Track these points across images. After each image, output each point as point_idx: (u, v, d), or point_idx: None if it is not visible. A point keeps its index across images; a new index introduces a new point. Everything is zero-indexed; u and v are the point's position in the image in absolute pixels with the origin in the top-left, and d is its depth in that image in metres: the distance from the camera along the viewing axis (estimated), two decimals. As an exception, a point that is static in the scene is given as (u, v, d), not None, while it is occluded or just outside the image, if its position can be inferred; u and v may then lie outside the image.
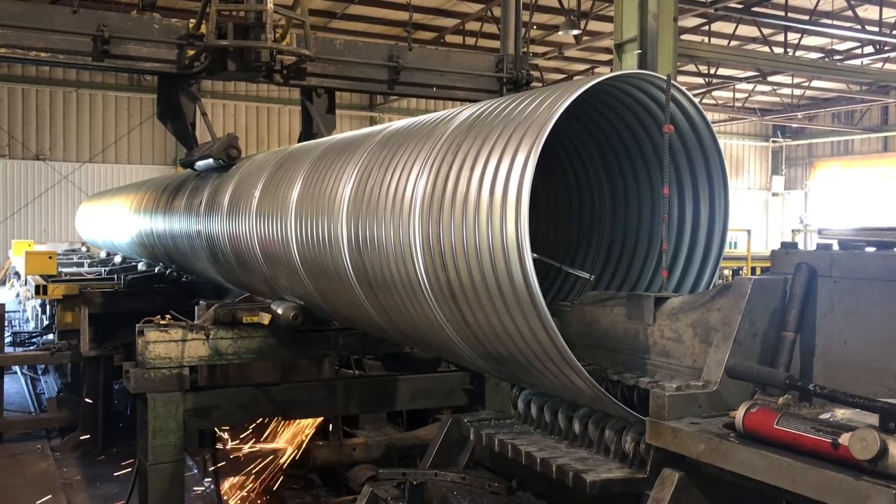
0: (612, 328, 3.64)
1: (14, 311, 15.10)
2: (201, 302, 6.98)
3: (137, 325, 6.26)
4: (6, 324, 15.43)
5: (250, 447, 7.98)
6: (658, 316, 3.39)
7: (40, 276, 11.43)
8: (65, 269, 13.01)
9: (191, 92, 8.31)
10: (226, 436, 7.90)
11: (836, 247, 2.73)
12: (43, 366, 12.65)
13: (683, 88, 3.83)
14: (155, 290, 10.01)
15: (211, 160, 7.94)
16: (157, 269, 10.78)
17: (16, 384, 12.52)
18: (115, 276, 10.89)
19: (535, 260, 4.04)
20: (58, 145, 32.69)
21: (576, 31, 23.76)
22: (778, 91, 33.54)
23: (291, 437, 8.05)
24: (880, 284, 2.48)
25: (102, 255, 16.00)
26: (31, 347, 12.46)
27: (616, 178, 4.66)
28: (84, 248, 19.32)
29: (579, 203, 4.93)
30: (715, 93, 32.30)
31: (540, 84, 30.18)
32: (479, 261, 3.35)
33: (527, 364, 3.39)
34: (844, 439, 2.05)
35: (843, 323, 2.62)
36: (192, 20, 8.10)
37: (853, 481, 2.02)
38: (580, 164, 4.84)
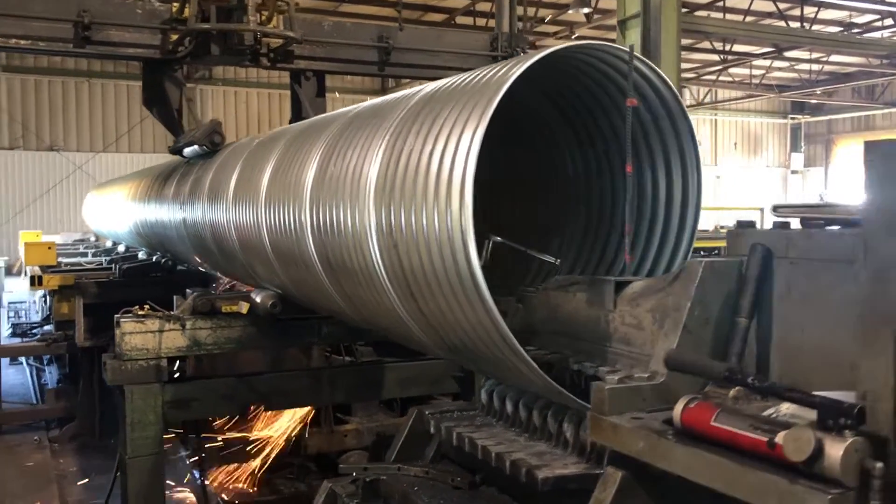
0: (574, 314, 3.46)
1: (20, 302, 15.12)
2: (188, 290, 6.87)
3: (116, 315, 6.15)
4: (12, 315, 15.52)
5: (242, 435, 7.88)
6: (619, 301, 3.20)
7: (40, 266, 11.37)
8: (67, 260, 12.96)
9: (176, 78, 8.16)
10: (217, 424, 7.81)
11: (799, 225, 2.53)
12: (47, 356, 12.64)
13: (648, 61, 3.62)
14: (150, 280, 9.92)
15: (196, 147, 7.81)
16: (154, 259, 10.71)
17: (21, 375, 12.53)
18: (113, 266, 10.81)
19: (500, 244, 3.87)
20: (71, 136, 32.78)
21: (586, 10, 23.40)
22: (795, 67, 32.91)
23: (283, 424, 7.95)
24: (837, 266, 2.27)
25: (108, 244, 15.97)
26: (33, 338, 12.46)
27: (590, 160, 4.46)
28: (93, 238, 19.33)
29: (555, 185, 4.73)
30: (731, 70, 31.73)
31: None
32: (427, 245, 3.17)
33: (481, 354, 3.22)
34: (780, 438, 1.86)
35: (800, 308, 2.42)
36: (175, 4, 7.93)
37: (788, 484, 1.83)
38: (555, 145, 4.64)
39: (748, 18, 24.39)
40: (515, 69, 3.03)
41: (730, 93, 35.52)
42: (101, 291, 9.75)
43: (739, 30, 14.35)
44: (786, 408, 2.06)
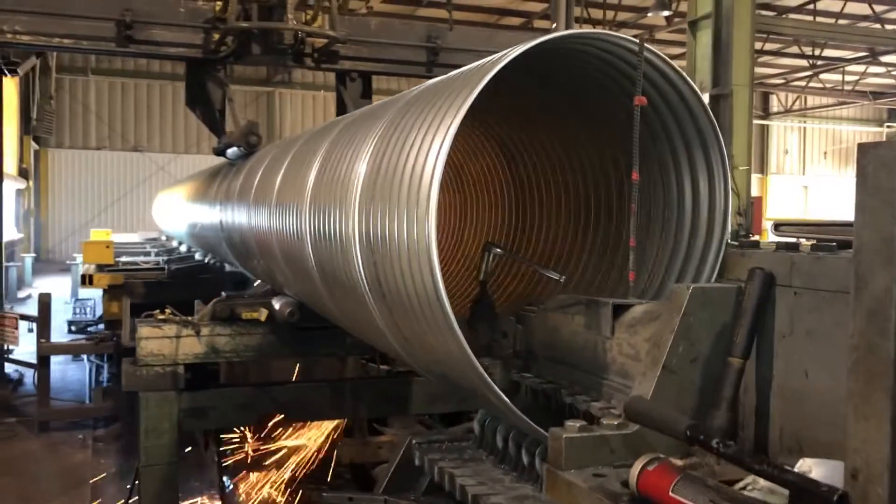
0: (572, 339, 3.07)
1: (88, 299, 15.39)
2: (222, 293, 6.70)
3: (136, 319, 6.01)
4: (78, 311, 15.82)
5: (273, 444, 7.68)
6: (617, 327, 2.79)
7: (97, 265, 11.47)
8: (128, 259, 13.09)
9: (218, 78, 8.03)
10: (248, 432, 7.63)
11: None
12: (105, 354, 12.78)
13: (662, 55, 3.19)
14: (198, 280, 9.86)
15: (236, 148, 7.67)
16: (207, 259, 10.68)
17: (80, 372, 12.69)
18: (166, 266, 10.81)
19: (500, 256, 3.50)
20: (154, 137, 33.63)
21: (666, 12, 22.66)
22: (893, 73, 31.25)
23: (316, 433, 7.72)
24: (844, 299, 1.84)
25: (174, 244, 16.15)
26: (87, 336, 12.60)
27: (609, 168, 4.05)
28: (164, 238, 19.63)
29: (576, 196, 4.33)
30: (822, 75, 30.34)
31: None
32: (398, 256, 2.84)
33: (453, 377, 2.87)
34: (741, 523, 1.46)
35: (805, 348, 1.99)
36: (218, 3, 7.82)
37: (745, 585, 1.44)
38: (576, 156, 4.25)
39: (840, 21, 23.24)
40: (495, 65, 2.67)
41: (820, 99, 34.00)
42: (148, 291, 9.74)
43: (820, 31, 13.52)
44: (764, 481, 1.65)
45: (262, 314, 5.84)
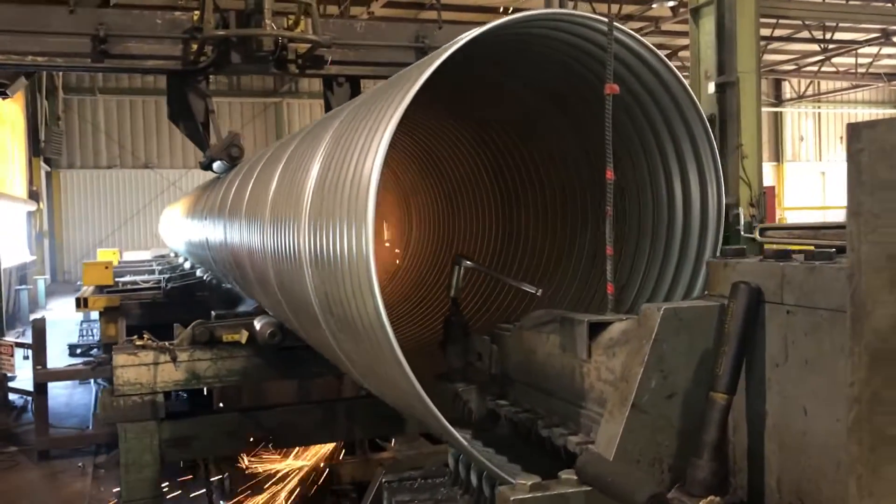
0: (548, 362, 2.72)
1: (94, 321, 15.17)
2: (212, 313, 6.41)
3: (114, 346, 5.72)
4: (82, 334, 15.61)
5: (272, 465, 7.37)
6: (594, 349, 2.44)
7: (98, 286, 11.24)
8: (134, 277, 12.87)
9: (200, 90, 7.75)
10: (245, 454, 7.32)
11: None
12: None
13: (639, 36, 2.84)
14: (195, 299, 9.58)
15: (220, 162, 7.39)
16: (206, 277, 10.41)
17: (87, 395, 12.45)
18: (164, 285, 10.55)
19: (470, 269, 3.18)
20: (164, 153, 33.53)
21: (671, 3, 22.19)
22: (908, 53, 30.55)
23: (316, 452, 7.40)
24: (844, 319, 1.48)
25: (180, 260, 15.93)
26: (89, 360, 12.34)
27: (596, 172, 3.70)
28: (173, 254, 19.45)
29: (563, 205, 3.99)
30: (834, 59, 29.69)
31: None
32: (341, 273, 2.52)
33: (410, 413, 2.54)
34: None
35: (802, 379, 1.64)
36: (196, 13, 7.53)
37: None
38: (564, 161, 3.91)
39: (853, 2, 22.65)
40: (435, 60, 2.34)
41: (834, 84, 33.34)
42: (144, 313, 9.49)
43: (829, 12, 13.00)
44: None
45: (243, 336, 5.54)
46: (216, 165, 7.74)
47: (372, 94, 2.98)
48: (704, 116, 3.01)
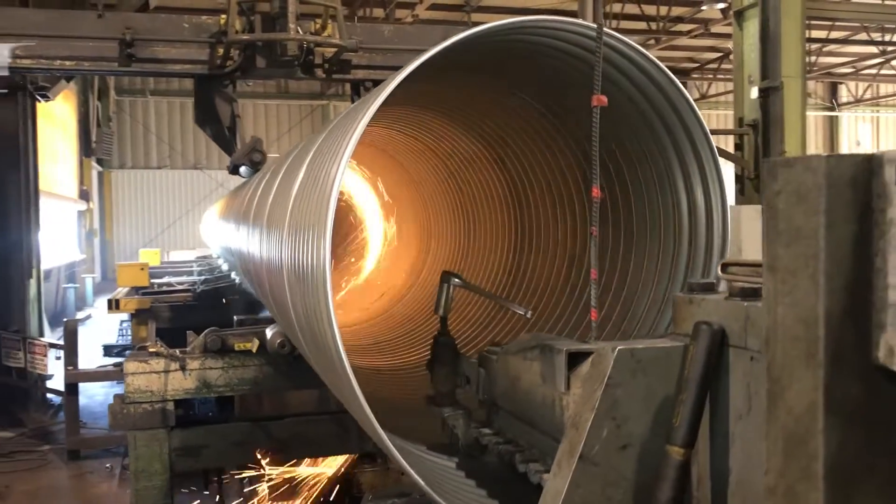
0: (531, 392, 2.56)
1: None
2: (234, 318, 6.38)
3: (128, 352, 5.70)
4: (121, 334, 15.77)
5: (292, 472, 7.29)
6: (573, 380, 2.27)
7: (133, 287, 11.33)
8: (173, 279, 12.96)
9: (226, 94, 7.72)
10: (264, 461, 7.26)
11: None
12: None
13: (639, 47, 2.66)
14: (224, 303, 9.58)
15: (244, 166, 7.36)
16: (238, 280, 10.42)
17: (123, 394, 12.53)
18: (195, 288, 10.59)
19: (461, 287, 3.03)
20: (213, 154, 33.85)
21: (721, 4, 21.73)
22: (973, 56, 29.45)
23: (335, 460, 7.30)
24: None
25: (219, 262, 16.04)
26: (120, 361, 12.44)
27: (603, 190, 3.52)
28: (215, 255, 19.62)
29: (572, 212, 3.82)
30: (895, 62, 28.79)
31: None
32: (306, 287, 2.40)
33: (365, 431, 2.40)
34: None
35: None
36: (223, 17, 7.50)
37: None
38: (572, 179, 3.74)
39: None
40: (395, 79, 2.20)
41: (894, 87, 32.34)
42: (174, 315, 9.51)
43: (884, 14, 12.50)
44: None
45: (254, 345, 5.45)
46: (243, 170, 7.71)
47: (354, 107, 2.85)
48: (704, 125, 2.81)
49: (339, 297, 7.74)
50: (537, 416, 2.51)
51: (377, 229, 7.54)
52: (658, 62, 2.69)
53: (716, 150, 2.81)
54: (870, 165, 1.00)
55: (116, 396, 5.62)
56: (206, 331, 5.73)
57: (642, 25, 25.56)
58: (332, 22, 7.63)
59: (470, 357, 3.02)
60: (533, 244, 4.31)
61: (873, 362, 0.96)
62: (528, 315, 3.25)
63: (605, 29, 2.49)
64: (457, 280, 3.02)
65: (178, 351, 5.58)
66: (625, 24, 25.27)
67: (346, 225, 9.26)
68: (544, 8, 25.40)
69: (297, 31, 7.32)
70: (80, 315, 22.07)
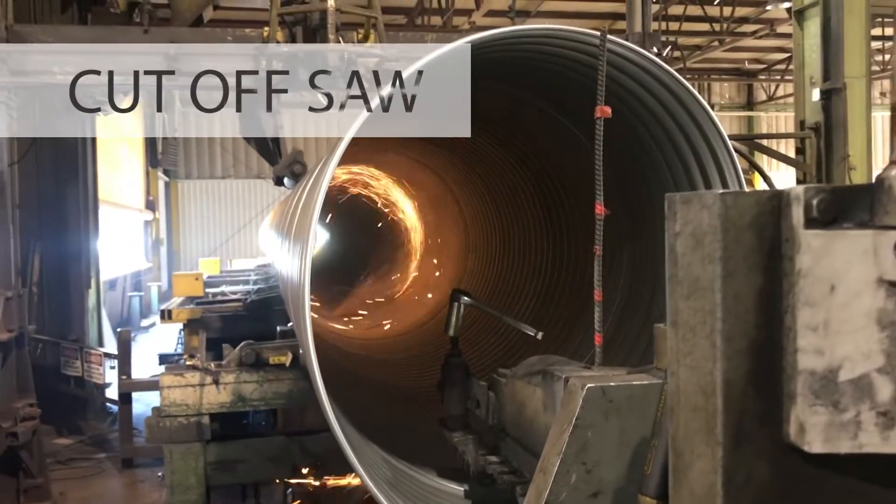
0: (535, 419, 2.42)
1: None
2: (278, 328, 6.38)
3: (163, 366, 5.73)
4: (180, 342, 16.01)
5: (333, 481, 7.23)
6: (574, 410, 2.12)
7: (188, 297, 11.47)
8: (221, 289, 13.09)
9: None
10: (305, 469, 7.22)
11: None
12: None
13: (648, 53, 2.51)
14: (273, 313, 9.60)
15: (286, 178, 7.36)
16: (287, 290, 10.46)
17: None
18: (246, 298, 10.65)
19: (471, 305, 2.91)
20: (276, 163, 34.41)
21: (787, 4, 21.09)
22: None
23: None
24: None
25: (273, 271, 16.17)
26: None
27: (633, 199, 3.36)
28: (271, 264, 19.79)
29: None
30: (974, 60, 27.51)
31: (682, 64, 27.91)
32: (296, 303, 2.30)
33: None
34: None
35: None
36: (265, 29, 7.52)
37: None
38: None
39: None
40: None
41: (975, 87, 30.94)
42: (224, 325, 9.56)
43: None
44: None
45: (288, 359, 5.41)
46: (286, 181, 7.72)
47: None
48: (723, 133, 2.63)
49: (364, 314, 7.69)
50: (540, 446, 2.36)
51: (417, 249, 7.46)
52: (664, 64, 2.52)
53: (732, 151, 2.63)
54: (777, 204, 0.85)
55: (154, 409, 5.64)
56: (241, 344, 5.72)
57: (705, 27, 25.03)
58: (374, 31, 7.59)
59: (480, 380, 2.89)
60: (569, 269, 4.18)
61: (783, 440, 0.81)
62: (539, 336, 3.10)
63: (640, 48, 2.34)
64: (466, 298, 2.89)
65: (213, 364, 5.58)
66: (687, 26, 24.77)
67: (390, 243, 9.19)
68: (602, 12, 25.09)
69: (341, 42, 7.29)
70: (144, 323, 22.57)
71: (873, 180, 0.87)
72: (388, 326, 6.44)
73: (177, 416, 5.40)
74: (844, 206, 0.83)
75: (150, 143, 28.04)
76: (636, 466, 1.48)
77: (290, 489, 7.29)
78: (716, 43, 25.36)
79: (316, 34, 7.19)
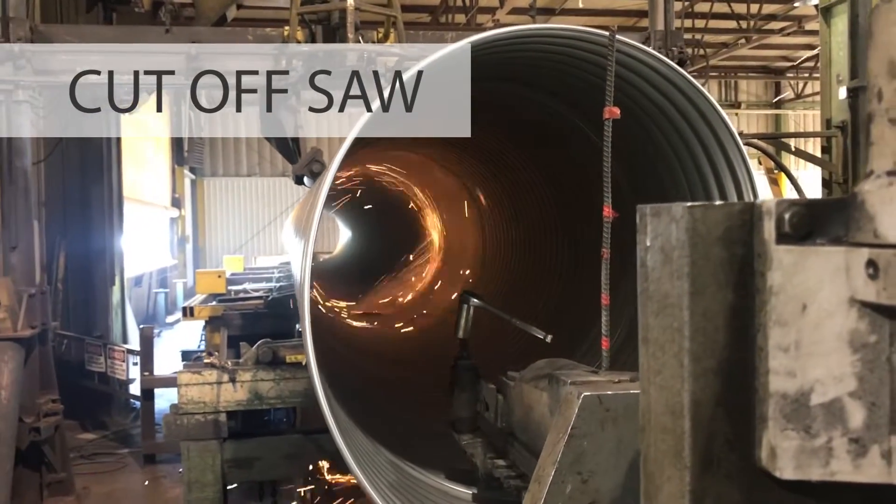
0: (542, 423, 2.39)
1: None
2: (297, 327, 6.39)
3: (184, 364, 5.76)
4: (203, 339, 16.13)
5: (349, 478, 7.24)
6: (579, 415, 2.10)
7: (210, 294, 11.55)
8: (244, 286, 13.16)
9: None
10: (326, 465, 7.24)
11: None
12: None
13: (659, 55, 2.47)
14: (292, 311, 9.64)
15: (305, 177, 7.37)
16: (308, 288, 10.49)
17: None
18: (267, 296, 10.70)
19: (480, 308, 2.89)
20: (301, 161, 34.54)
21: (814, 1, 20.85)
22: None
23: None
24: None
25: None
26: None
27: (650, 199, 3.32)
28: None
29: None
30: None
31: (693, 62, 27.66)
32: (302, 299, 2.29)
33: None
34: None
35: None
36: (286, 28, 7.54)
37: None
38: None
39: None
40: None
41: None
42: (244, 323, 9.62)
43: None
44: None
45: (304, 357, 5.42)
46: (305, 180, 7.73)
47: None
48: (733, 130, 2.59)
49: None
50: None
51: (435, 251, 7.45)
52: (673, 64, 2.49)
53: (742, 148, 2.59)
54: (748, 217, 0.81)
55: (172, 406, 5.68)
56: (258, 342, 5.75)
57: (732, 24, 24.79)
58: (393, 30, 7.58)
59: (489, 383, 2.87)
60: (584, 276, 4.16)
61: (755, 464, 0.78)
62: (548, 339, 3.07)
63: (650, 49, 2.31)
64: (476, 300, 2.87)
65: (230, 362, 5.61)
66: (714, 24, 24.54)
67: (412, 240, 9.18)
68: (629, 9, 24.92)
69: (360, 41, 7.29)
70: (169, 319, 22.76)
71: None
72: (405, 327, 6.43)
73: (194, 413, 5.43)
74: (820, 220, 0.80)
75: (177, 141, 28.29)
76: (633, 477, 1.46)
77: (307, 486, 7.32)
78: (743, 40, 25.12)
79: (336, 33, 7.20)
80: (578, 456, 1.45)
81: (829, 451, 0.75)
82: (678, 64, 8.21)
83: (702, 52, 24.78)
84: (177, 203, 28.08)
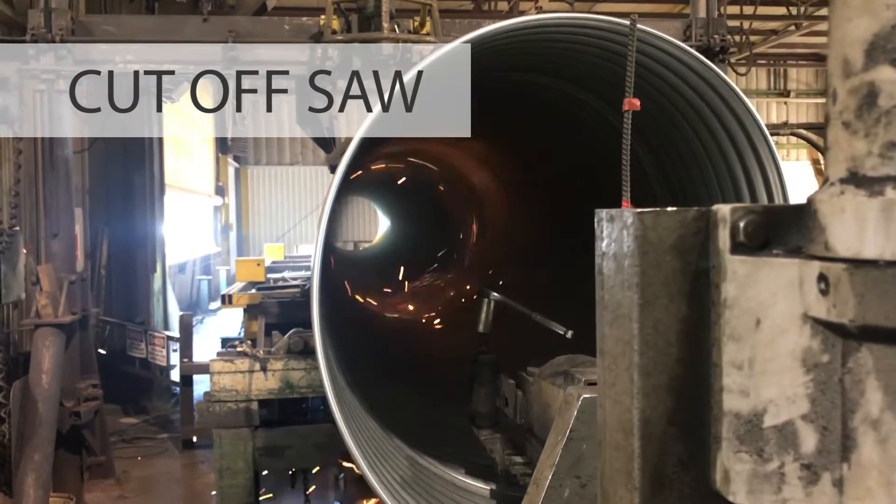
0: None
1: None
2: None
3: (218, 352, 5.83)
4: (240, 327, 16.30)
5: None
6: (593, 415, 2.05)
7: (249, 282, 11.66)
8: (282, 274, 13.26)
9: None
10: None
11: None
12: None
13: (685, 46, 2.39)
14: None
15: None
16: (346, 277, 10.52)
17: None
18: (306, 284, 10.76)
19: (500, 302, 2.86)
20: (343, 150, 34.69)
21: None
22: None
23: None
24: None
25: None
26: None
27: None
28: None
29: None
30: None
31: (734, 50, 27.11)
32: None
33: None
34: None
35: None
36: (322, 18, 7.55)
37: None
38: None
39: None
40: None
41: None
42: (281, 311, 9.67)
43: None
44: None
45: (333, 348, 5.42)
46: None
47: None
48: (762, 123, 2.51)
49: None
50: (563, 449, 2.30)
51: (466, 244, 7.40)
52: (699, 55, 2.41)
53: (770, 139, 2.51)
54: (703, 225, 0.76)
55: (205, 394, 5.74)
56: (290, 332, 5.78)
57: (782, 11, 24.26)
58: (429, 19, 7.54)
59: (509, 378, 2.84)
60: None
61: (709, 486, 0.73)
62: (568, 335, 3.02)
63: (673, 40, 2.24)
64: (495, 294, 2.84)
65: (261, 351, 5.64)
66: (763, 10, 24.02)
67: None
68: (674, -3, 24.48)
69: (395, 30, 7.27)
70: (212, 306, 23.07)
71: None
72: (432, 320, 6.41)
73: (226, 401, 5.48)
74: (778, 228, 0.74)
75: (221, 130, 28.58)
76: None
77: (341, 474, 7.36)
78: (792, 27, 24.53)
79: (371, 22, 7.18)
80: (577, 460, 1.41)
81: (782, 477, 0.70)
82: (720, 52, 8.04)
83: (748, 39, 24.28)
84: (220, 191, 28.40)
